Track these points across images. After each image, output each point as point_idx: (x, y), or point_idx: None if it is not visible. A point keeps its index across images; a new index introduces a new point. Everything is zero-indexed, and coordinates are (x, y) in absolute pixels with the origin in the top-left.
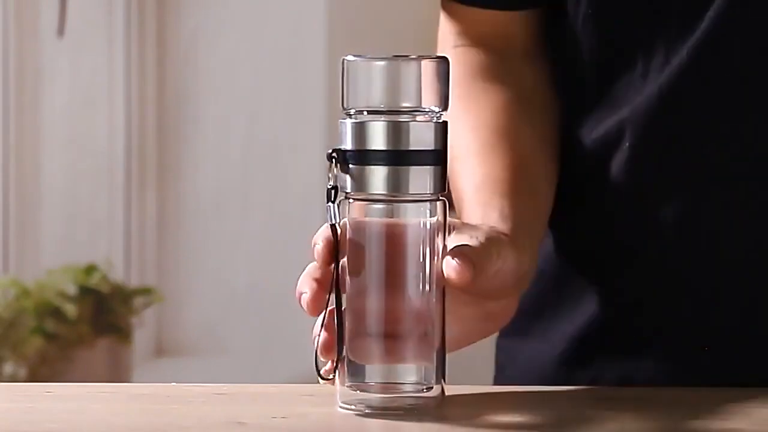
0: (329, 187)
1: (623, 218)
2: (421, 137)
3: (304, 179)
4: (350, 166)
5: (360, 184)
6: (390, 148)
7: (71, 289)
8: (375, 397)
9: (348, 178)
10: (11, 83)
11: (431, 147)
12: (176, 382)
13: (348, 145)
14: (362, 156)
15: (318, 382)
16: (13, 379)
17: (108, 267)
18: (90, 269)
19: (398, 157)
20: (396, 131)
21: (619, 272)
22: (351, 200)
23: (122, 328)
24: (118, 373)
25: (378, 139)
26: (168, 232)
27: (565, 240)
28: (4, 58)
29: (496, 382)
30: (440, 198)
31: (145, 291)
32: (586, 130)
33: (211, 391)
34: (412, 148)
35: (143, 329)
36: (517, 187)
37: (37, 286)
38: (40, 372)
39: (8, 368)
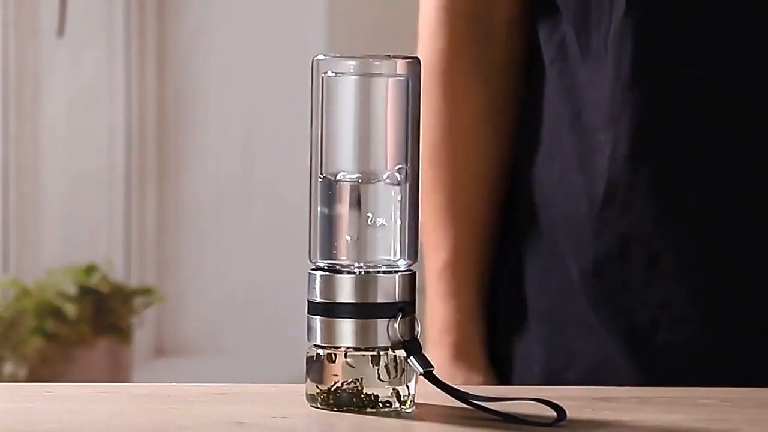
0: None
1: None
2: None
3: (304, 179)
4: None
5: None
6: None
7: (71, 289)
8: None
9: None
10: (11, 83)
11: None
12: (176, 382)
13: None
14: None
15: None
16: (13, 379)
17: (108, 267)
18: (90, 269)
19: None
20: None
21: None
22: None
23: (122, 328)
24: (118, 373)
25: None
26: (168, 232)
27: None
28: (4, 58)
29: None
30: None
31: (145, 291)
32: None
33: (211, 391)
34: None
35: (143, 329)
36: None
37: (37, 286)
38: (40, 372)
39: (8, 368)
